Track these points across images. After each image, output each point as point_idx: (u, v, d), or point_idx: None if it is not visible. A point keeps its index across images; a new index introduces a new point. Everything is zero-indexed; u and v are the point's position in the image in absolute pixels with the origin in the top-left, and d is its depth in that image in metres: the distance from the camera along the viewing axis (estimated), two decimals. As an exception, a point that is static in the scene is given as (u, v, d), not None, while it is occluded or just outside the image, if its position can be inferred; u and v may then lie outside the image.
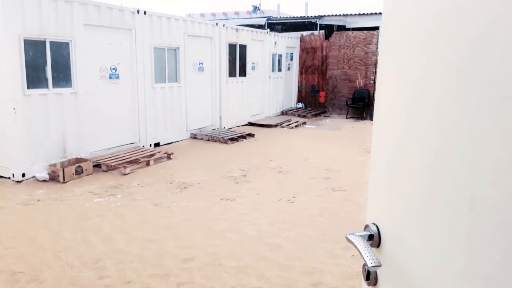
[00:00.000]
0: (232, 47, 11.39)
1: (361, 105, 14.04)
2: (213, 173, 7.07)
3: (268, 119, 13.02)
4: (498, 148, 0.73)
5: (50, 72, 6.58)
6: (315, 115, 14.54)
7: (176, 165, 7.55)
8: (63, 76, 6.83)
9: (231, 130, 10.91)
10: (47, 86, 6.57)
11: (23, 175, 6.24)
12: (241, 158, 8.25)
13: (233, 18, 15.88)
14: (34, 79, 6.37)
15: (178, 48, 9.46)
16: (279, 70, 14.33)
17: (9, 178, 6.28)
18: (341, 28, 15.60)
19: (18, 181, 6.20)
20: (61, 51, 6.80)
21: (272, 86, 13.87)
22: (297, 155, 8.61)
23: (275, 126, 12.11)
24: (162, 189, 6.14)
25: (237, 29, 11.75)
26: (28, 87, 6.25)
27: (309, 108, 15.54)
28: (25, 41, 6.18)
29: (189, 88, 9.87)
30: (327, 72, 15.21)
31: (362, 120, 13.91)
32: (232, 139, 9.72)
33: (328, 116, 14.78)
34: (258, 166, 7.66)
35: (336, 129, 12.24)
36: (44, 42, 6.50)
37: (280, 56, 14.30)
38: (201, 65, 10.37)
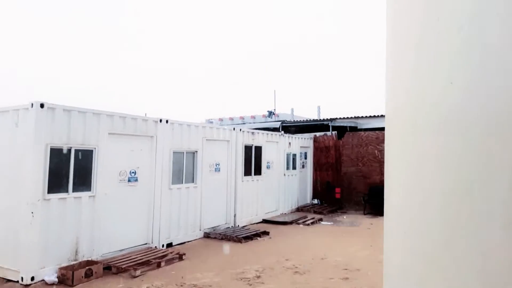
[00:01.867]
0: (248, 148, 11.67)
1: (377, 201, 13.57)
2: (225, 274, 6.63)
3: (283, 216, 12.65)
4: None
5: (71, 177, 6.76)
6: (332, 211, 14.07)
7: (188, 266, 7.17)
8: (83, 181, 6.99)
9: (246, 228, 10.56)
10: (67, 191, 6.69)
11: (32, 278, 6.01)
12: (256, 257, 7.80)
13: (250, 122, 16.60)
14: (56, 184, 6.52)
15: (196, 151, 9.74)
16: (294, 168, 14.39)
17: (17, 281, 6.04)
18: (353, 129, 15.98)
19: (26, 285, 5.95)
20: (84, 157, 7.07)
21: (287, 183, 13.79)
22: (314, 253, 8.10)
23: (291, 223, 11.69)
24: (169, 293, 5.72)
25: (252, 133, 12.17)
26: (48, 192, 6.37)
27: (325, 204, 15.13)
28: (51, 149, 6.49)
29: (205, 188, 9.88)
30: (341, 169, 15.14)
31: (380, 216, 13.32)
32: (246, 238, 9.34)
33: (345, 212, 14.28)
34: (273, 266, 7.18)
35: (354, 225, 11.69)
36: (70, 150, 6.81)
37: (295, 155, 14.49)
38: (217, 165, 10.53)
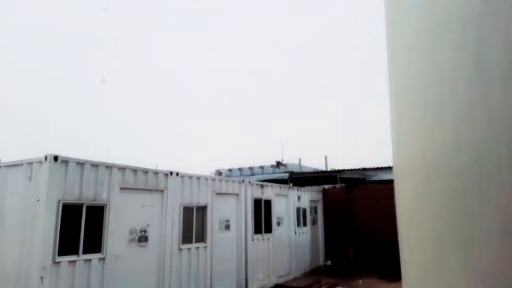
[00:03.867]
0: (257, 202, 11.65)
1: (393, 262, 13.41)
2: None
3: (297, 281, 12.39)
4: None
5: (82, 237, 6.70)
6: (346, 275, 13.78)
7: None
8: (94, 242, 6.93)
9: (258, 294, 10.33)
10: (77, 253, 6.61)
11: None
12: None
13: (258, 174, 16.74)
14: (66, 245, 6.46)
15: (206, 206, 9.73)
16: (305, 224, 14.29)
17: None
18: (361, 181, 16.13)
19: None
20: (96, 215, 7.05)
21: (298, 241, 13.63)
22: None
23: (305, 288, 11.45)
24: None
25: (262, 185, 12.21)
26: (59, 254, 6.29)
27: (339, 266, 14.86)
28: (63, 206, 6.47)
29: (215, 248, 9.76)
30: (354, 226, 15.07)
31: (399, 281, 13.12)
32: (260, 306, 9.11)
33: (360, 275, 14.01)
34: None
35: (371, 291, 11.46)
36: (81, 206, 6.80)
37: (305, 210, 14.44)
38: (227, 222, 10.47)
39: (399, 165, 1.30)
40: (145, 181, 8.20)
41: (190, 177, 9.48)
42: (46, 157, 6.50)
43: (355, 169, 16.76)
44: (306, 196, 14.76)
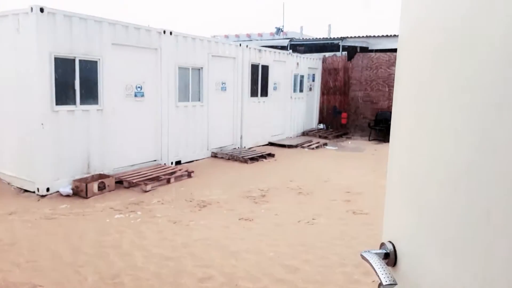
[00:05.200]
0: (254, 67, 11.58)
1: (384, 127, 13.90)
2: (232, 192, 7.10)
3: (289, 140, 13.04)
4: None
5: (78, 89, 6.84)
6: (337, 137, 14.47)
7: (196, 183, 7.63)
8: (90, 94, 7.09)
9: (252, 149, 10.97)
10: (74, 103, 6.82)
11: (48, 189, 6.43)
12: (261, 178, 8.26)
13: (257, 40, 16.19)
14: (63, 96, 6.63)
15: (202, 68, 9.69)
16: (301, 90, 14.42)
17: (34, 192, 6.48)
18: (364, 49, 15.66)
19: (42, 196, 6.39)
20: (89, 69, 7.08)
21: (294, 106, 13.94)
22: (318, 176, 8.55)
23: (296, 146, 12.11)
24: (181, 207, 6.20)
25: (260, 50, 11.96)
26: (56, 104, 6.51)
27: (331, 129, 15.50)
28: (55, 59, 6.47)
29: (212, 107, 10.04)
30: (349, 94, 15.20)
31: (385, 142, 13.75)
32: (252, 159, 9.76)
33: (350, 137, 14.68)
34: (278, 186, 7.64)
35: (358, 151, 12.13)
36: (74, 60, 6.78)
37: (302, 77, 14.41)
38: (223, 84, 10.56)
39: (405, 31, 1.14)
40: (138, 38, 8.01)
41: (185, 37, 9.22)
42: (32, 8, 6.24)
43: (358, 37, 16.13)
44: (305, 63, 14.56)
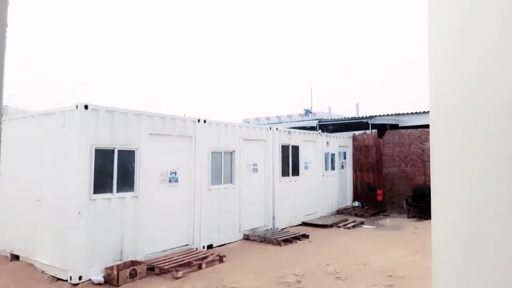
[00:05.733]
0: (285, 148, 11.73)
1: (422, 204, 13.25)
2: (265, 278, 6.74)
3: (323, 219, 12.62)
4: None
5: (115, 177, 7.08)
6: (373, 214, 13.87)
7: (228, 268, 7.34)
8: (126, 181, 7.30)
9: (285, 230, 10.64)
10: (111, 191, 7.02)
11: (80, 278, 6.36)
12: (295, 261, 7.86)
13: (286, 122, 16.63)
14: (101, 184, 6.86)
15: (234, 151, 9.92)
16: (333, 168, 14.30)
17: (67, 280, 6.42)
18: (394, 127, 15.65)
19: (74, 284, 6.31)
20: (127, 158, 7.38)
21: (326, 184, 13.73)
22: (356, 258, 8.05)
23: (331, 226, 11.65)
24: (212, 295, 5.90)
25: (289, 132, 12.21)
26: (94, 192, 6.71)
27: (366, 207, 14.94)
28: (96, 150, 6.82)
29: (243, 189, 10.05)
30: (383, 170, 14.88)
31: (426, 219, 13.00)
32: (286, 241, 9.41)
33: (387, 215, 14.03)
34: (314, 270, 7.21)
35: (398, 229, 11.48)
36: (113, 150, 7.13)
37: (333, 155, 14.40)
38: (255, 166, 10.67)
39: (436, 107, 1.22)
40: (174, 128, 8.41)
41: (218, 124, 9.61)
42: (77, 106, 6.78)
43: (387, 115, 16.24)
44: (335, 142, 14.63)
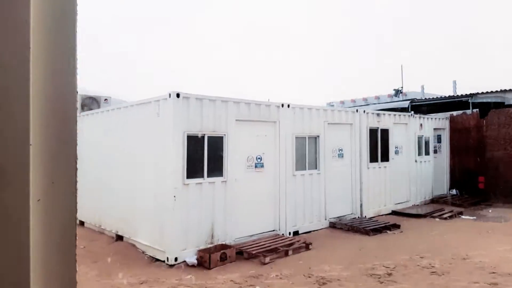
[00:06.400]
0: (373, 132, 11.22)
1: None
2: (353, 269, 6.61)
3: (415, 208, 11.93)
4: None
5: (206, 163, 7.43)
6: (473, 204, 12.71)
7: (315, 257, 7.33)
8: (216, 167, 7.62)
9: (373, 219, 10.28)
10: (203, 176, 7.39)
11: (176, 259, 6.86)
12: (385, 252, 7.57)
13: (374, 103, 15.81)
14: (193, 169, 7.25)
15: (318, 136, 9.76)
16: (427, 153, 13.35)
17: (164, 261, 6.97)
18: (499, 105, 14.02)
19: (171, 265, 6.83)
20: (216, 144, 7.69)
21: (419, 170, 12.89)
22: (454, 251, 7.49)
23: (424, 216, 10.96)
24: (300, 283, 5.96)
25: (378, 114, 11.63)
26: (187, 177, 7.13)
27: (465, 196, 13.74)
28: (188, 137, 7.20)
29: (329, 175, 9.89)
30: (485, 154, 13.50)
31: (538, 211, 11.57)
32: (375, 230, 9.09)
33: (490, 205, 12.76)
34: (406, 263, 6.88)
35: (503, 220, 10.41)
36: (203, 137, 7.47)
37: (428, 138, 13.42)
38: (340, 151, 10.40)
39: None
40: (259, 113, 8.53)
41: (301, 108, 9.51)
42: (169, 94, 7.19)
43: (491, 92, 14.58)
44: (430, 124, 13.61)
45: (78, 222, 10.28)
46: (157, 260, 7.13)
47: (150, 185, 7.57)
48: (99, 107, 11.04)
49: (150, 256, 7.35)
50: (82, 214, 10.28)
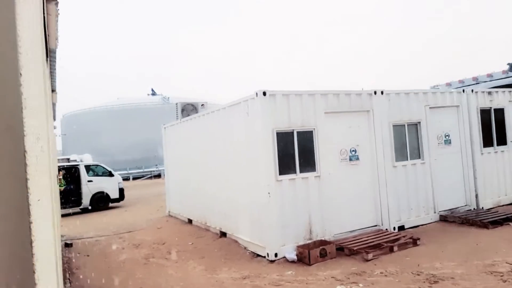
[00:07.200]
0: (485, 112, 10.06)
1: None
2: (470, 266, 5.97)
3: (545, 196, 10.36)
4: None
5: (297, 158, 7.41)
6: None
7: (424, 253, 6.80)
8: (307, 162, 7.55)
9: (492, 210, 9.17)
10: (295, 172, 7.38)
11: (276, 255, 6.94)
12: (509, 247, 6.70)
13: (485, 81, 14.11)
14: (284, 165, 7.29)
15: (419, 122, 9.07)
16: (557, 132, 11.49)
17: (264, 257, 7.10)
18: None
19: (271, 261, 6.93)
20: (306, 139, 7.61)
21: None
22: None
23: (559, 205, 9.46)
24: (408, 281, 5.57)
25: (490, 93, 10.38)
26: (280, 173, 7.18)
27: None
28: (277, 133, 7.26)
29: (435, 164, 9.10)
30: None
31: None
32: (495, 223, 8.10)
33: None
34: (536, 260, 6.00)
35: None
36: (292, 132, 7.46)
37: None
38: (447, 137, 9.51)
39: None
40: (349, 103, 8.23)
41: (397, 93, 8.92)
42: (256, 93, 7.33)
43: None
44: (558, 98, 11.69)
45: (186, 220, 11.11)
46: (258, 255, 7.30)
47: (246, 182, 7.80)
48: (197, 112, 11.75)
49: (251, 251, 7.56)
50: (190, 212, 11.09)
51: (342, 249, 7.05)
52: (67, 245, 9.45)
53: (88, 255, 8.65)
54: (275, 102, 7.35)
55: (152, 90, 41.40)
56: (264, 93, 7.25)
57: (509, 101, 10.61)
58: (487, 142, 9.99)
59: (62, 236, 9.53)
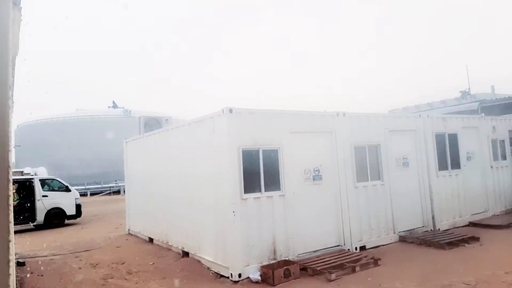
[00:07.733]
0: (440, 137, 10.51)
1: None
2: (429, 286, 6.07)
3: (495, 218, 10.85)
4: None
5: (262, 177, 7.34)
6: None
7: (385, 273, 6.86)
8: (272, 180, 7.50)
9: (448, 232, 9.47)
10: (260, 190, 7.30)
11: (239, 275, 6.75)
12: (464, 268, 6.90)
13: (439, 107, 14.86)
14: (250, 184, 7.19)
15: (379, 144, 9.31)
16: (504, 158, 12.21)
17: (228, 277, 6.89)
18: None
19: (235, 281, 6.72)
20: (271, 157, 7.58)
21: (496, 177, 11.80)
22: (547, 267, 6.63)
23: (507, 226, 9.92)
24: (370, 302, 5.56)
25: (443, 118, 10.89)
26: (245, 192, 7.07)
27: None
28: (243, 151, 7.18)
29: (394, 186, 9.33)
30: None
31: None
32: (451, 244, 8.35)
33: None
34: (489, 279, 6.20)
35: None
36: (258, 151, 7.40)
37: (503, 141, 12.29)
38: (405, 159, 9.82)
39: None
40: (313, 124, 8.33)
41: (359, 116, 9.15)
42: (223, 110, 7.25)
43: None
44: (504, 126, 12.49)
45: (147, 239, 10.66)
46: (222, 276, 7.07)
47: (210, 201, 7.62)
48: (161, 127, 11.48)
49: (214, 272, 7.32)
50: (151, 230, 10.65)
51: (306, 269, 6.98)
52: (20, 264, 8.78)
53: (42, 275, 8.06)
54: (241, 120, 7.29)
55: (114, 102, 40.39)
56: (231, 110, 7.18)
57: (462, 127, 11.16)
58: (442, 165, 10.40)
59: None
